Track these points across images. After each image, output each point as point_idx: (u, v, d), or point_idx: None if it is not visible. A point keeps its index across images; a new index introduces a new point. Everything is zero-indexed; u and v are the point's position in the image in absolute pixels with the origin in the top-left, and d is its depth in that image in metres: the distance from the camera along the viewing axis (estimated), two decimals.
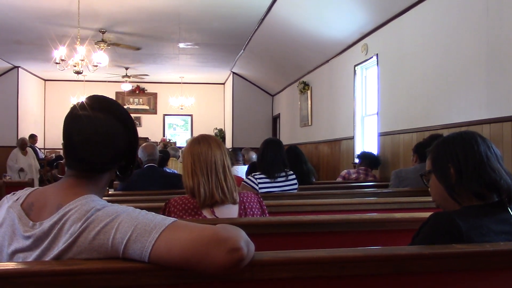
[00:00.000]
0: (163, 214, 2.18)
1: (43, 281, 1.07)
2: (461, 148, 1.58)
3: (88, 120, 1.28)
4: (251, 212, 2.25)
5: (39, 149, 12.64)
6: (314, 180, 5.14)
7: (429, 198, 1.83)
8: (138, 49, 10.08)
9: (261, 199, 2.38)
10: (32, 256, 1.19)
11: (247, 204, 2.25)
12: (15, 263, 1.14)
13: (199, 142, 2.20)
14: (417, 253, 1.30)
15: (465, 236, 1.42)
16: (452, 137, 1.64)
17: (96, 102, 1.33)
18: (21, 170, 9.66)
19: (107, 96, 1.41)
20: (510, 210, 1.55)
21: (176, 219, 1.19)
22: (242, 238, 1.11)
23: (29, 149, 10.32)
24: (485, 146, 1.58)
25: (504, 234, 1.50)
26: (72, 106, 1.35)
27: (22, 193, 1.31)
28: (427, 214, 1.65)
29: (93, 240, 1.15)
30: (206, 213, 2.13)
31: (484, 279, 1.33)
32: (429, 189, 1.72)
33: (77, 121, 1.29)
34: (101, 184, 1.35)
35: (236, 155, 6.55)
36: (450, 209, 1.59)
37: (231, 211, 2.19)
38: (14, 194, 1.33)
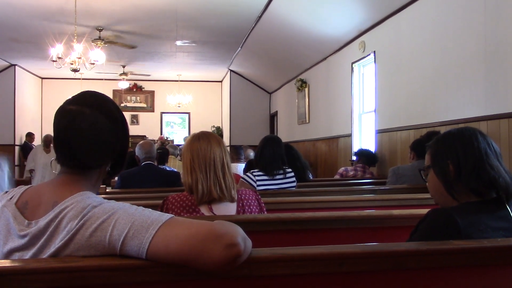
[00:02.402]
0: (161, 211, 2.18)
1: (40, 278, 1.07)
2: (461, 145, 1.57)
3: (74, 116, 1.27)
4: (249, 210, 2.25)
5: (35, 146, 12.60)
6: (310, 175, 5.14)
7: (427, 195, 1.83)
8: (133, 47, 10.04)
9: (259, 196, 2.38)
10: (28, 254, 1.19)
11: (245, 201, 2.25)
12: (11, 261, 1.14)
13: (199, 139, 2.19)
14: (415, 249, 1.30)
15: (463, 233, 1.42)
16: (453, 133, 1.63)
17: (84, 98, 1.32)
18: (32, 171, 9.31)
19: (103, 93, 1.41)
20: (508, 207, 1.55)
21: (173, 215, 1.18)
22: (239, 234, 1.11)
23: (53, 148, 9.80)
24: (485, 143, 1.57)
25: (502, 230, 1.49)
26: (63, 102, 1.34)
27: (16, 192, 1.30)
28: (424, 211, 1.65)
29: (90, 237, 1.14)
30: (204, 209, 2.13)
31: (481, 275, 1.33)
32: (427, 184, 1.71)
33: (64, 116, 1.28)
34: (93, 180, 1.34)
35: (238, 153, 6.51)
36: (447, 205, 1.59)
37: (229, 208, 2.19)
38: (7, 192, 1.32)
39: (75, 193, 1.23)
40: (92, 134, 1.27)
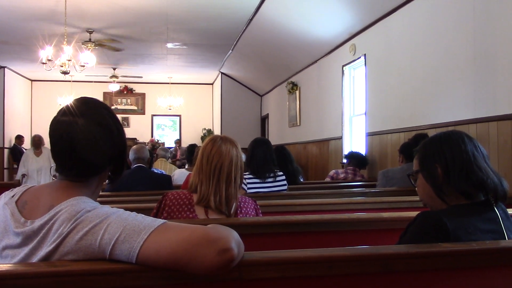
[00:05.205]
0: (159, 205, 2.18)
1: (29, 283, 1.06)
2: (449, 148, 1.59)
3: (68, 127, 1.26)
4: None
5: (26, 149, 12.47)
6: (302, 179, 5.14)
7: (416, 198, 1.84)
8: (118, 50, 10.00)
9: (258, 206, 2.35)
10: (20, 254, 1.19)
11: (244, 209, 2.23)
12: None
13: (214, 142, 2.14)
14: (404, 252, 1.30)
15: (452, 235, 1.43)
16: (439, 137, 1.65)
17: (78, 106, 1.31)
18: (23, 175, 8.53)
19: (94, 96, 1.40)
20: (496, 209, 1.56)
21: (166, 220, 1.18)
22: (233, 239, 1.11)
23: (45, 149, 8.81)
24: (472, 146, 1.59)
25: (491, 232, 1.51)
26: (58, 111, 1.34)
27: (19, 190, 1.32)
28: (414, 214, 1.66)
29: (80, 240, 1.14)
30: (200, 212, 2.11)
31: (471, 277, 1.34)
32: (416, 189, 1.72)
33: (58, 128, 1.28)
34: (92, 187, 1.34)
35: None
36: (438, 208, 1.60)
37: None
38: (12, 190, 1.33)
39: (71, 198, 1.23)
40: (87, 144, 1.26)
